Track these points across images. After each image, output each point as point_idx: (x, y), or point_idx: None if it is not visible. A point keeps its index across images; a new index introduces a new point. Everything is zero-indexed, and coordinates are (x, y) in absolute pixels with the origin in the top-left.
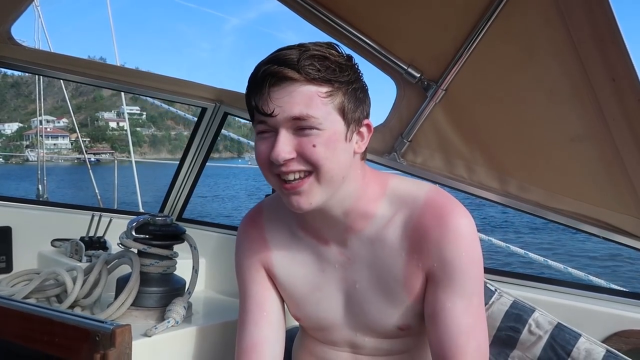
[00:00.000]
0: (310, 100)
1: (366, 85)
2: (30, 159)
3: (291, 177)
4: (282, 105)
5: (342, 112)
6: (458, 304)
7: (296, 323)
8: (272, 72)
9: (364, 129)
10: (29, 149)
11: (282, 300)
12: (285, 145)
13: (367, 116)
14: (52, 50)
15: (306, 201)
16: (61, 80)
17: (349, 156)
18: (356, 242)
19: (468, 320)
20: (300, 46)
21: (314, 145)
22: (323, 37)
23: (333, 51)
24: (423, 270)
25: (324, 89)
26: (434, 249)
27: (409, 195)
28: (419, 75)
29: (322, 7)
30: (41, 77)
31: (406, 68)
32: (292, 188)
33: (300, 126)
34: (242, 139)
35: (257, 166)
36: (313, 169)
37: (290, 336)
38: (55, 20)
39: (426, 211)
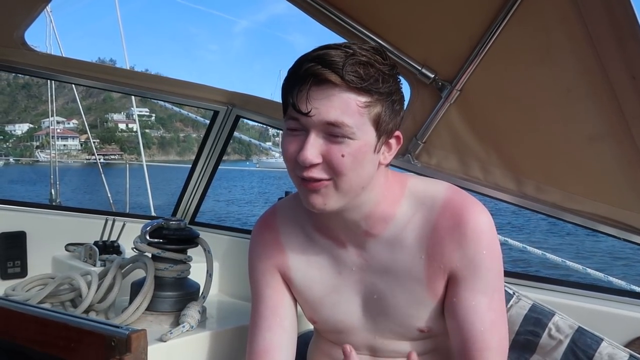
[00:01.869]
0: (348, 107)
1: (403, 96)
2: (41, 160)
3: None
4: (319, 107)
5: (377, 123)
6: (482, 301)
7: (309, 327)
8: (314, 73)
9: (393, 140)
10: (38, 150)
11: (296, 304)
12: (313, 149)
13: (399, 127)
14: (63, 55)
15: (321, 202)
16: (73, 85)
17: (373, 168)
18: (375, 245)
19: (491, 316)
20: (347, 48)
21: (342, 155)
22: (333, 39)
23: (379, 57)
24: (445, 271)
25: (363, 99)
26: (455, 249)
27: (427, 195)
28: (433, 75)
29: (333, 7)
30: (53, 81)
31: (420, 68)
32: (310, 186)
33: (333, 132)
34: (253, 140)
35: (265, 170)
36: (335, 177)
37: (303, 340)
38: (67, 26)
39: (445, 211)
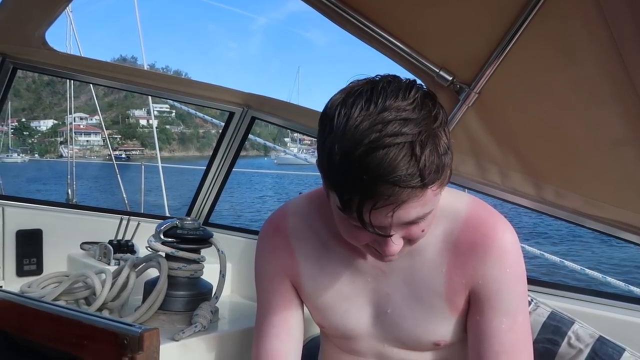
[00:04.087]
0: (425, 200)
1: None
2: (64, 155)
3: None
4: (398, 216)
5: (444, 185)
6: (504, 322)
7: (315, 333)
8: (393, 200)
9: None
10: (62, 145)
11: (303, 310)
12: (396, 242)
13: None
14: (82, 55)
15: (396, 258)
16: (90, 85)
17: None
18: None
19: (512, 339)
20: (412, 146)
21: (422, 230)
22: (352, 38)
23: (437, 115)
24: (466, 287)
25: (437, 184)
26: (478, 266)
27: (448, 207)
28: (451, 78)
29: (351, 9)
30: (72, 81)
31: (438, 71)
32: (390, 258)
33: (412, 222)
34: (268, 143)
35: (283, 168)
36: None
37: (310, 347)
38: (87, 26)
39: (469, 226)
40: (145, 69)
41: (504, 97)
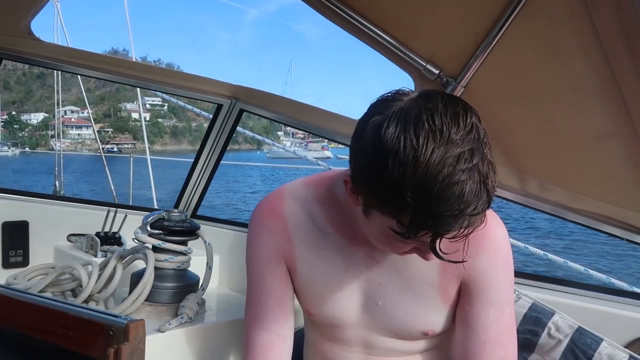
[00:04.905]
0: (480, 222)
1: None
2: (55, 149)
3: None
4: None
5: None
6: (491, 313)
7: (300, 325)
8: (471, 228)
9: None
10: (53, 139)
11: (294, 296)
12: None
13: None
14: (69, 46)
15: None
16: (78, 76)
17: None
18: None
19: (498, 330)
20: (480, 176)
21: None
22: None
23: (490, 154)
24: (458, 278)
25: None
26: (471, 259)
27: None
28: (438, 71)
29: (339, 2)
30: (60, 72)
31: (425, 64)
32: None
33: None
34: (257, 136)
35: (275, 161)
36: None
37: (295, 339)
38: (74, 17)
39: None
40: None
41: (490, 91)
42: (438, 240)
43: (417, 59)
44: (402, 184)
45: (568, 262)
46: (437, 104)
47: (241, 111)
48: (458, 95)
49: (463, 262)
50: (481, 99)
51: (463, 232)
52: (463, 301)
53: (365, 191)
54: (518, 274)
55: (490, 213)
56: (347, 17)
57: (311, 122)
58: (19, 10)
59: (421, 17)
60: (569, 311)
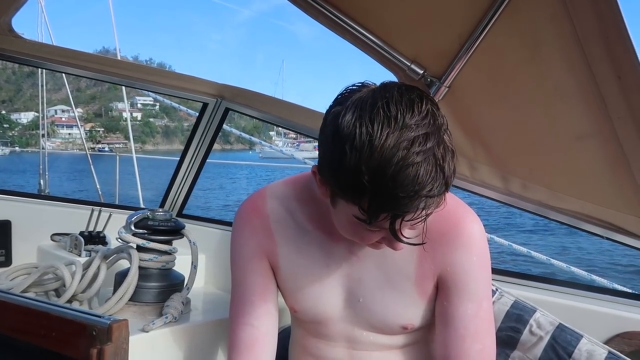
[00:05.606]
0: (438, 206)
1: None
2: (45, 148)
3: None
4: (415, 225)
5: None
6: (469, 308)
7: (287, 324)
8: (428, 210)
9: None
10: (44, 138)
11: (277, 295)
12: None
13: None
14: (54, 43)
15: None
16: (63, 74)
17: None
18: None
19: (476, 324)
20: (435, 160)
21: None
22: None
23: (449, 141)
24: (435, 273)
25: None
26: (447, 254)
27: None
28: (422, 71)
29: (325, 1)
30: (43, 70)
31: (409, 64)
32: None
33: None
34: (244, 134)
35: (267, 160)
36: None
37: (282, 337)
38: (57, 13)
39: (439, 215)
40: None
41: (473, 91)
42: (398, 222)
43: (401, 59)
44: (359, 169)
45: (551, 259)
46: (393, 93)
47: (227, 110)
48: (442, 95)
49: (423, 244)
50: (465, 99)
51: (420, 213)
52: (441, 296)
53: (329, 180)
54: (500, 271)
55: (465, 209)
56: (332, 16)
57: (297, 121)
58: None
59: (405, 17)
60: (550, 308)
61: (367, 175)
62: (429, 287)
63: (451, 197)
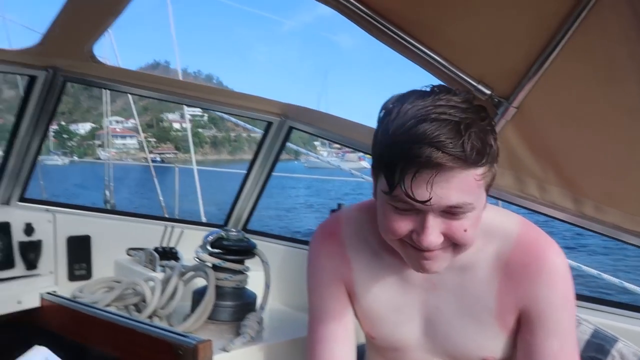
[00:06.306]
0: (468, 186)
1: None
2: (102, 158)
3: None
4: (439, 193)
5: (489, 186)
6: (554, 344)
7: (360, 341)
8: (433, 161)
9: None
10: (100, 148)
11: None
12: (435, 232)
13: None
14: (119, 63)
15: (436, 267)
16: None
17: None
18: (445, 269)
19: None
20: (450, 116)
21: (465, 230)
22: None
23: (481, 114)
24: (517, 306)
25: (480, 171)
26: (530, 287)
27: (499, 227)
28: (489, 92)
29: (388, 22)
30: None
31: (476, 85)
32: (427, 255)
33: (453, 212)
34: (300, 149)
35: (313, 172)
36: (455, 246)
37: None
38: (119, 32)
39: (520, 247)
40: (179, 72)
41: (543, 112)
42: (409, 178)
43: (467, 78)
44: (386, 132)
45: (624, 282)
46: (440, 94)
47: (290, 128)
48: (510, 116)
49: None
50: (534, 120)
51: (430, 169)
52: (524, 330)
53: (374, 161)
54: (577, 296)
55: (546, 240)
56: (396, 37)
57: (357, 139)
58: (83, 35)
59: (470, 36)
60: (632, 338)
61: (390, 132)
62: (510, 320)
63: (533, 228)
